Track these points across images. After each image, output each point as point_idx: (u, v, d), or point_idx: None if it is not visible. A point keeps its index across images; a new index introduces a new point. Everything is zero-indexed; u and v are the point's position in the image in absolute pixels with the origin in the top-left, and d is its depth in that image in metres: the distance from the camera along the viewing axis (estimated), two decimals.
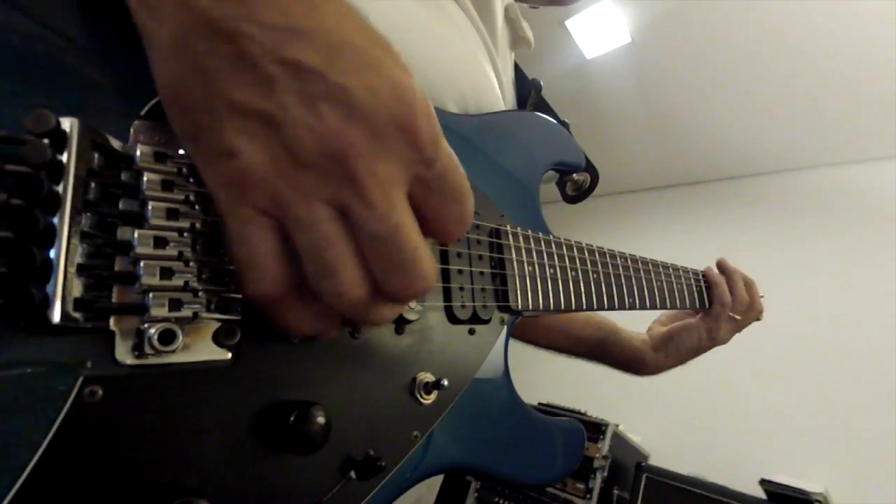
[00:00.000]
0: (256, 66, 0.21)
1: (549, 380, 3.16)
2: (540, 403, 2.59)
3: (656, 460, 2.40)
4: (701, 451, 2.63)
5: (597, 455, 2.18)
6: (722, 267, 0.86)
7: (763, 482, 1.93)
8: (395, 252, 0.24)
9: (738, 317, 0.83)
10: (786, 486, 1.87)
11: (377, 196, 0.23)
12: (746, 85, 2.66)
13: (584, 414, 2.41)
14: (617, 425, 2.32)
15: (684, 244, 3.08)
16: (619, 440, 2.33)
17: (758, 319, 0.90)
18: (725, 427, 2.69)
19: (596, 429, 2.26)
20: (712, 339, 0.81)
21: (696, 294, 0.80)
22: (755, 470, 2.06)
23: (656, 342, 0.83)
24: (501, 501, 2.32)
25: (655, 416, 2.91)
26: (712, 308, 0.81)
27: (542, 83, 0.72)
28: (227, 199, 0.24)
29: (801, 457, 2.41)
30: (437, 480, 2.50)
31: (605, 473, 2.16)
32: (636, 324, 0.87)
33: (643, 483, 1.98)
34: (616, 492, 2.18)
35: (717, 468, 2.30)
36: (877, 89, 2.45)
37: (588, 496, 2.12)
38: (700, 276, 0.83)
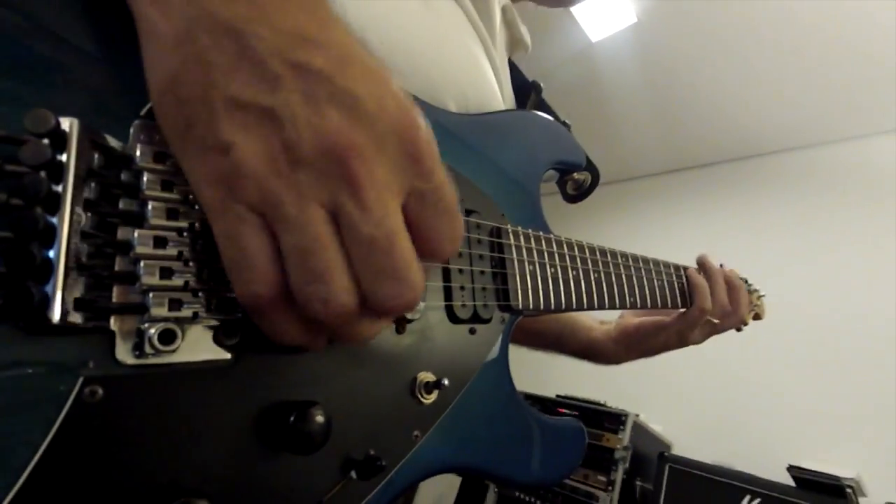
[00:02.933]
0: (262, 64, 0.22)
1: (566, 372, 3.05)
2: (558, 396, 2.51)
3: (679, 450, 2.33)
4: (725, 438, 2.54)
5: (618, 446, 2.10)
6: (703, 266, 0.81)
7: (791, 468, 1.85)
8: (387, 259, 0.24)
9: (716, 321, 0.79)
10: (816, 472, 1.79)
11: (374, 200, 0.23)
12: (755, 61, 2.57)
13: (604, 405, 2.33)
14: (637, 415, 2.24)
15: (696, 228, 2.94)
16: (640, 430, 2.25)
17: (741, 327, 0.86)
18: (749, 412, 2.58)
19: (615, 419, 2.18)
20: (683, 342, 0.78)
21: (678, 293, 0.76)
22: (782, 456, 1.97)
23: (621, 334, 0.81)
24: (522, 496, 2.23)
25: (676, 404, 2.81)
26: (690, 312, 0.77)
27: (542, 85, 0.72)
28: (216, 195, 0.23)
29: (830, 441, 2.29)
30: (457, 479, 2.47)
31: (627, 465, 2.08)
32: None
33: (667, 473, 1.92)
34: (639, 483, 2.11)
35: (742, 455, 2.22)
36: (890, 58, 2.36)
37: (610, 488, 2.04)
38: (682, 274, 0.78)
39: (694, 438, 2.56)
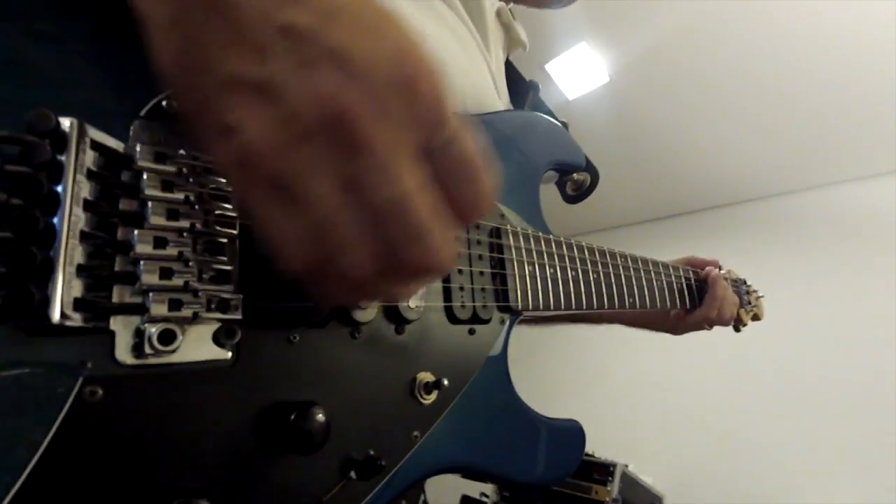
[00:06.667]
0: (250, 35, 0.21)
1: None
2: None
3: (672, 502, 2.26)
4: (719, 488, 2.45)
5: (607, 499, 2.00)
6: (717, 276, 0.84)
7: None
8: (405, 221, 0.22)
9: (708, 328, 0.83)
10: None
11: (383, 162, 0.22)
12: (727, 112, 2.70)
13: (591, 455, 2.21)
14: (626, 465, 2.14)
15: None
16: (630, 482, 2.14)
17: (739, 327, 0.90)
18: (742, 459, 2.49)
19: (604, 470, 2.07)
20: (673, 333, 0.82)
21: (677, 294, 0.78)
22: (779, 502, 1.94)
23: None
24: None
25: (667, 454, 2.70)
26: (696, 315, 0.80)
27: (539, 84, 0.72)
28: (236, 180, 0.22)
29: (825, 483, 2.26)
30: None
31: None
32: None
33: None
34: None
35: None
36: (854, 106, 2.45)
37: None
38: (681, 275, 0.80)
39: (688, 489, 2.47)
